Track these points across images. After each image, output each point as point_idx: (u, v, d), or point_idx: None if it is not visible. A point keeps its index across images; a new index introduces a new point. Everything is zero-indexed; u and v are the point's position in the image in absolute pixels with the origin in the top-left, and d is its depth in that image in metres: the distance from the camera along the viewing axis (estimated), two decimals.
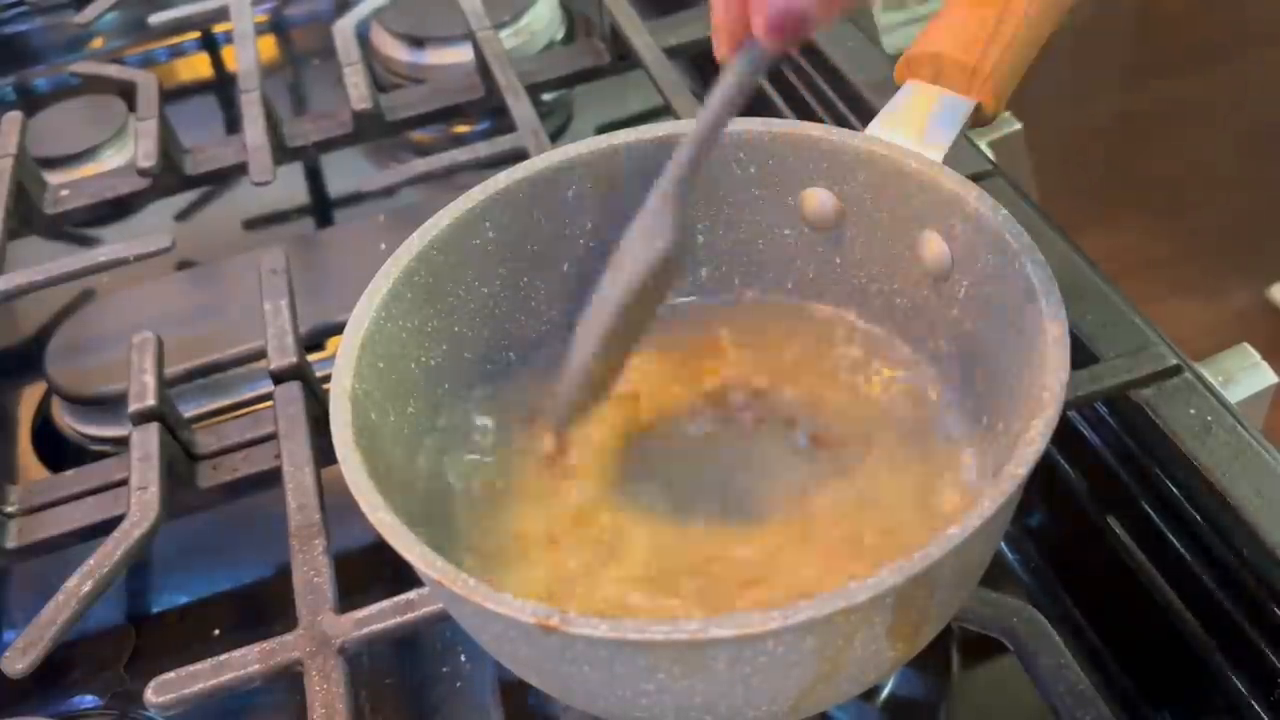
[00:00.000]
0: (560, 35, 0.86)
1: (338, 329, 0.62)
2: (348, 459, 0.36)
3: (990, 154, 0.62)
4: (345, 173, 0.78)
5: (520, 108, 0.68)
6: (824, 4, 0.35)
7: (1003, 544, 0.52)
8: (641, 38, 0.71)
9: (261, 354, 0.54)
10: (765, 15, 0.35)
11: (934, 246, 0.42)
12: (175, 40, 0.92)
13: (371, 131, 0.73)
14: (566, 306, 0.47)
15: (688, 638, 0.30)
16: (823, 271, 0.47)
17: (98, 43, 0.94)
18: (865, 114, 0.63)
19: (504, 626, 0.33)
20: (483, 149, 0.66)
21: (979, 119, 0.44)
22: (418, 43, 0.82)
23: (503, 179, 0.44)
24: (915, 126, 0.43)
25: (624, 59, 0.74)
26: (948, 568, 0.32)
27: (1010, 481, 0.32)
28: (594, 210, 0.46)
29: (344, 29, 0.77)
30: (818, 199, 0.45)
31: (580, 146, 0.45)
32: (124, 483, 0.51)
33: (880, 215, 0.44)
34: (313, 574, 0.45)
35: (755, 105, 0.75)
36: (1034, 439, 0.33)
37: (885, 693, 0.46)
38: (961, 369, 0.43)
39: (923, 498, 0.41)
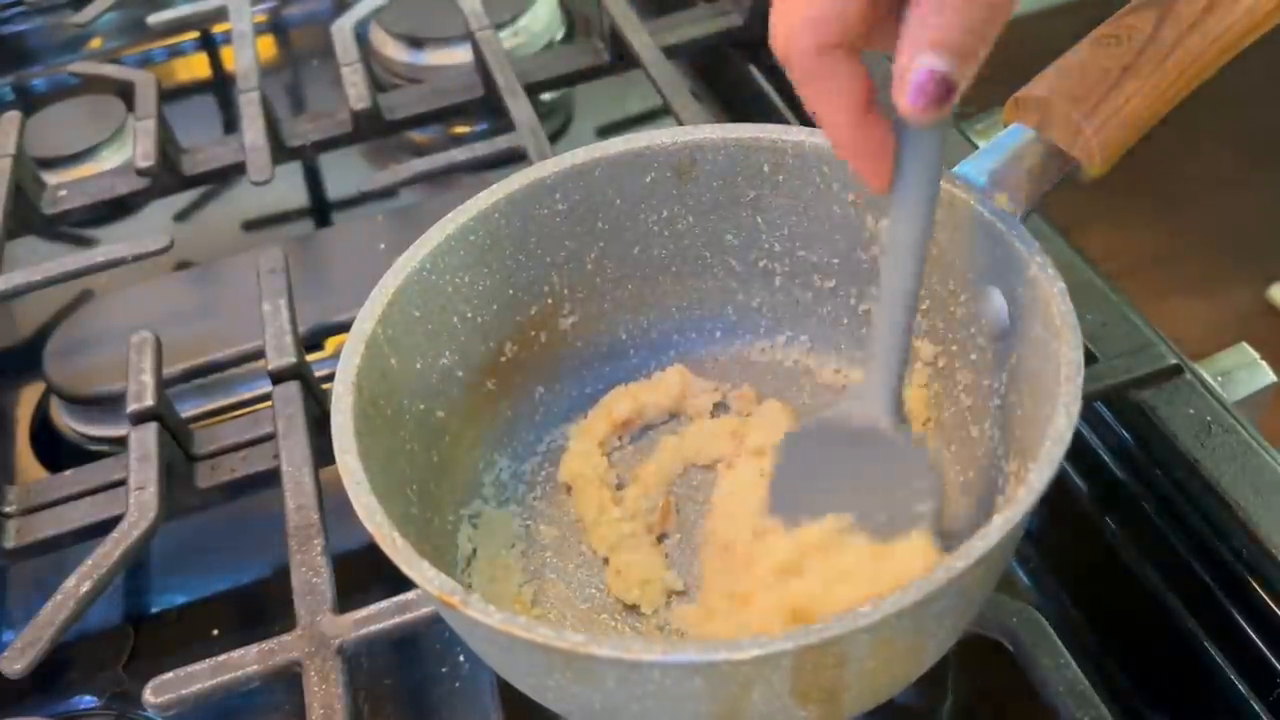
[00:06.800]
0: (560, 35, 0.86)
1: (337, 329, 0.62)
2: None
3: None
4: (344, 173, 0.78)
5: (519, 108, 0.68)
6: (964, 57, 0.32)
7: None
8: (641, 38, 0.71)
9: (260, 354, 0.54)
10: (908, 87, 0.32)
11: (995, 304, 0.41)
12: (174, 40, 0.92)
13: (370, 131, 0.73)
14: (631, 288, 0.48)
15: (568, 647, 0.30)
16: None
17: (96, 43, 0.94)
18: None
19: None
20: (481, 149, 0.66)
21: (1078, 177, 0.41)
22: (417, 43, 0.82)
23: (581, 154, 0.45)
24: (1005, 174, 0.41)
25: (623, 59, 0.74)
26: (861, 644, 0.31)
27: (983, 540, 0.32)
28: (669, 199, 0.47)
29: (343, 29, 0.77)
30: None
31: (663, 135, 0.46)
32: (122, 483, 0.51)
33: (950, 260, 0.42)
34: (311, 574, 0.45)
35: (759, 109, 0.75)
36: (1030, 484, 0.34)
37: None
38: (996, 424, 0.43)
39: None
